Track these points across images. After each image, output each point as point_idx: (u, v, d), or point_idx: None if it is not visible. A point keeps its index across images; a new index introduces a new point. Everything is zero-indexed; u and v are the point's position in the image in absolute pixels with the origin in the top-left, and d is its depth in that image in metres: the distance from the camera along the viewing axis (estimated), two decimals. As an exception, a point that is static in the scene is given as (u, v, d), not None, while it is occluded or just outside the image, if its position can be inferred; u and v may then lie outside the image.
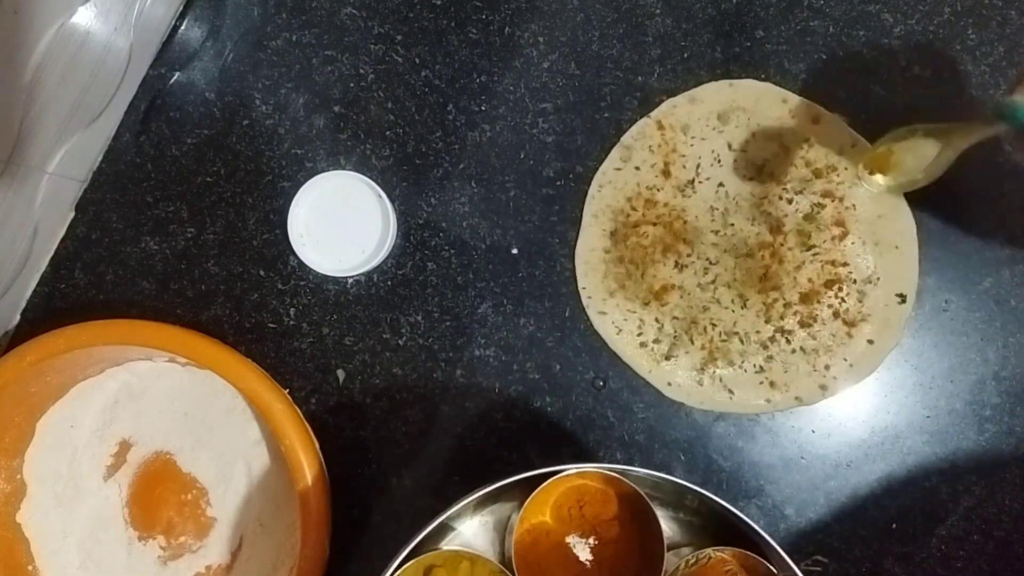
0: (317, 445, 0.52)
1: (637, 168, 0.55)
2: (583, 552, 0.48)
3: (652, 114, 0.55)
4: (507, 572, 0.46)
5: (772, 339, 0.54)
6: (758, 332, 0.54)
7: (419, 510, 0.56)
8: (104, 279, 0.58)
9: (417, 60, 0.57)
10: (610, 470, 0.45)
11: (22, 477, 0.55)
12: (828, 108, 0.54)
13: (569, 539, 0.48)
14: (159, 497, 0.57)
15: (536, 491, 0.45)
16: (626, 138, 0.55)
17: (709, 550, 0.47)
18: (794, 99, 0.54)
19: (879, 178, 0.51)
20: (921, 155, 0.48)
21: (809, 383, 0.54)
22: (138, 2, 0.55)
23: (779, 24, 0.55)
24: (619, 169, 0.55)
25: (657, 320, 0.54)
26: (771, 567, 0.45)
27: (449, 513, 0.45)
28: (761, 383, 0.54)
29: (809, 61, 0.55)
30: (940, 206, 0.54)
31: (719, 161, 0.54)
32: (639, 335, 0.54)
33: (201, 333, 0.53)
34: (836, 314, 0.54)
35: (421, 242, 0.57)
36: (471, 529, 0.51)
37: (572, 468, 0.44)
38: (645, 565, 0.47)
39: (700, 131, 0.55)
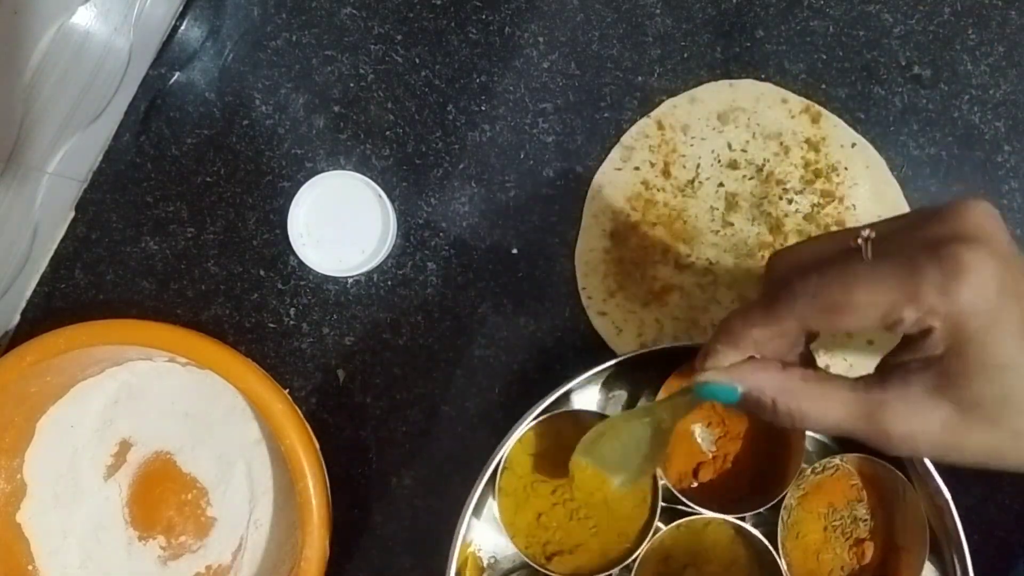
0: (317, 445, 0.52)
1: (637, 168, 0.55)
2: (706, 442, 0.47)
3: (652, 114, 0.55)
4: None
5: (772, 339, 0.54)
6: (758, 332, 0.54)
7: (419, 510, 0.56)
8: (104, 279, 0.58)
9: (417, 60, 0.57)
10: None
11: (22, 477, 0.55)
12: (828, 108, 0.54)
13: (694, 426, 0.47)
14: (159, 497, 0.57)
15: (681, 367, 0.43)
16: (626, 138, 0.55)
17: (837, 459, 0.45)
18: (794, 99, 0.54)
19: (591, 489, 0.42)
20: (634, 441, 0.40)
21: (809, 383, 0.54)
22: (138, 2, 0.55)
23: (779, 24, 0.55)
24: (619, 169, 0.55)
25: (657, 320, 0.54)
26: (903, 476, 0.42)
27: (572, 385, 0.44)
28: (761, 383, 0.54)
29: (809, 61, 0.55)
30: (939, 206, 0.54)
31: (719, 161, 0.54)
32: (639, 335, 0.54)
33: (201, 333, 0.53)
34: (836, 314, 0.54)
35: (421, 242, 0.57)
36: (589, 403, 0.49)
37: None
38: (771, 466, 0.45)
39: (700, 131, 0.55)
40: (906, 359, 0.30)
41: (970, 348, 0.28)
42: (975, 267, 0.27)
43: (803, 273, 0.30)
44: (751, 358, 0.33)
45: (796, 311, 0.30)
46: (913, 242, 0.29)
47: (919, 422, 0.29)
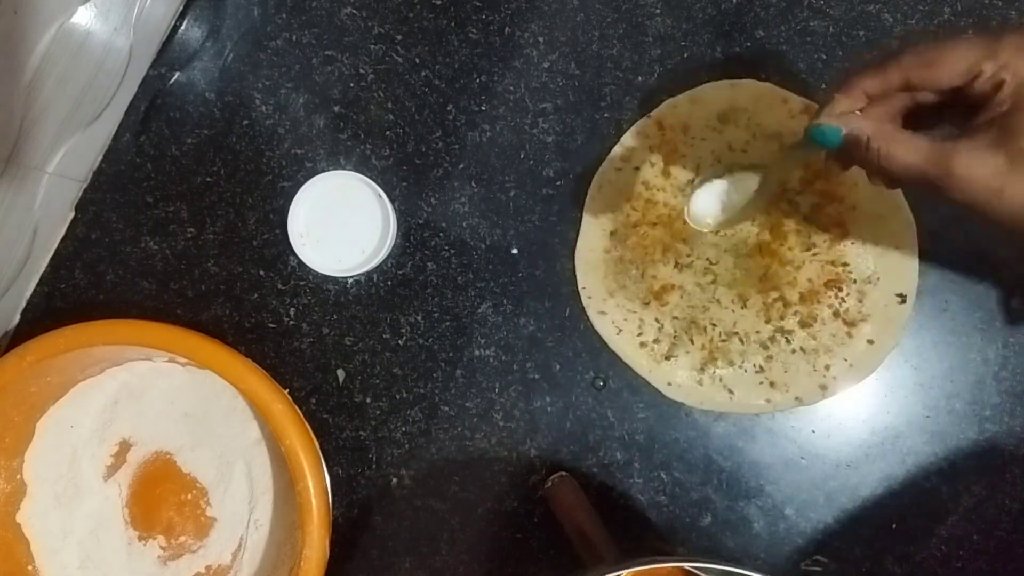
0: (317, 445, 0.52)
1: (637, 168, 0.55)
2: None
3: (652, 114, 0.55)
4: None
5: (772, 339, 0.54)
6: (758, 332, 0.54)
7: (419, 510, 0.56)
8: (104, 279, 0.58)
9: (417, 60, 0.57)
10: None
11: (22, 477, 0.55)
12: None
13: None
14: (159, 497, 0.57)
15: None
16: (626, 138, 0.55)
17: None
18: (794, 99, 0.54)
19: (708, 218, 0.50)
20: (743, 189, 0.48)
21: (809, 383, 0.54)
22: (138, 2, 0.55)
23: (779, 24, 0.55)
24: (619, 169, 0.55)
25: (657, 320, 0.54)
26: None
27: None
28: (761, 383, 0.54)
29: (809, 61, 0.55)
30: (940, 206, 0.54)
31: (719, 161, 0.54)
32: (639, 335, 0.54)
33: (201, 333, 0.53)
34: (836, 314, 0.54)
35: (421, 242, 0.57)
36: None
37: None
38: None
39: (700, 131, 0.55)
40: (979, 121, 0.35)
41: None
42: None
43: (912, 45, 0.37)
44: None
45: (902, 63, 0.37)
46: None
47: (977, 166, 0.34)
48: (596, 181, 0.55)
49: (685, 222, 0.54)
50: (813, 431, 0.54)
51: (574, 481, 0.53)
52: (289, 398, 0.52)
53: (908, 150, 0.36)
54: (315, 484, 0.50)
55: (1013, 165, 0.34)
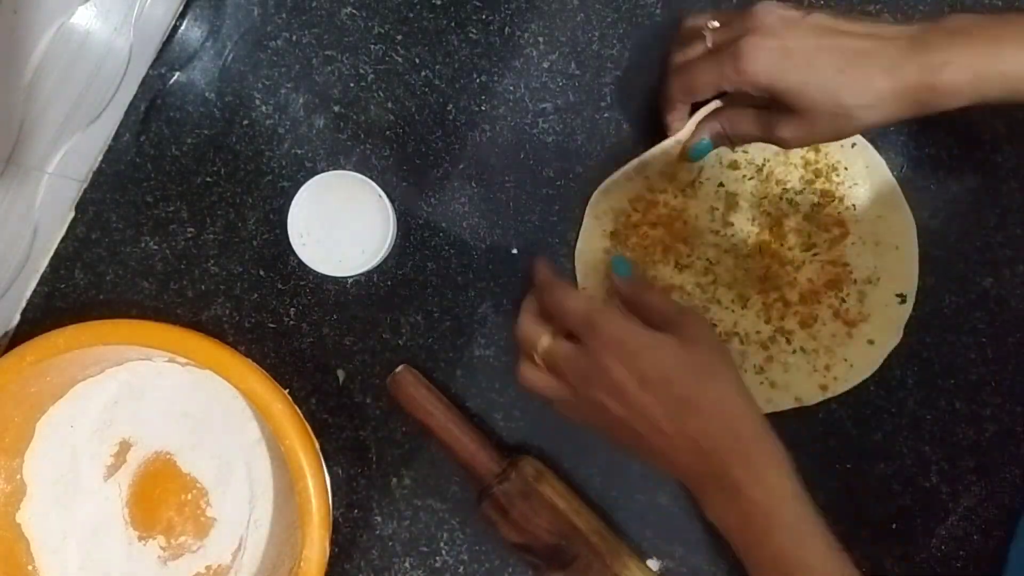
0: (317, 445, 0.52)
1: (647, 177, 0.55)
2: None
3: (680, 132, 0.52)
4: None
5: (772, 339, 0.54)
6: (758, 332, 0.54)
7: (419, 510, 0.56)
8: (104, 279, 0.58)
9: (417, 60, 0.57)
10: None
11: (22, 477, 0.55)
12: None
13: None
14: (159, 497, 0.57)
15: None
16: (647, 155, 0.53)
17: None
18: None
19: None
20: None
21: (809, 383, 0.54)
22: (138, 2, 0.55)
23: (779, 24, 0.55)
24: (631, 180, 0.55)
25: (657, 320, 0.54)
26: None
27: None
28: (761, 383, 0.54)
29: (809, 61, 0.55)
30: (940, 206, 0.54)
31: (720, 162, 0.54)
32: (639, 335, 0.54)
33: (201, 333, 0.53)
34: (836, 314, 0.54)
35: (421, 242, 0.57)
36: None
37: None
38: None
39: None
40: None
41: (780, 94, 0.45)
42: (749, 50, 0.44)
43: (676, 62, 0.50)
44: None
45: (673, 88, 0.49)
46: (728, 37, 0.46)
47: (791, 128, 0.46)
48: (605, 186, 0.54)
49: (685, 222, 0.54)
50: (813, 431, 0.54)
51: (415, 373, 0.55)
52: (289, 398, 0.52)
53: (745, 124, 0.49)
54: (315, 484, 0.50)
55: (806, 125, 0.46)
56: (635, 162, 0.54)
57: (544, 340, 0.46)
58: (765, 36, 0.44)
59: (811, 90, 0.44)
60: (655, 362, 0.43)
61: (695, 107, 0.51)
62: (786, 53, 0.44)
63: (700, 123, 0.51)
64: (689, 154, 0.51)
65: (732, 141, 0.50)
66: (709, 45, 0.47)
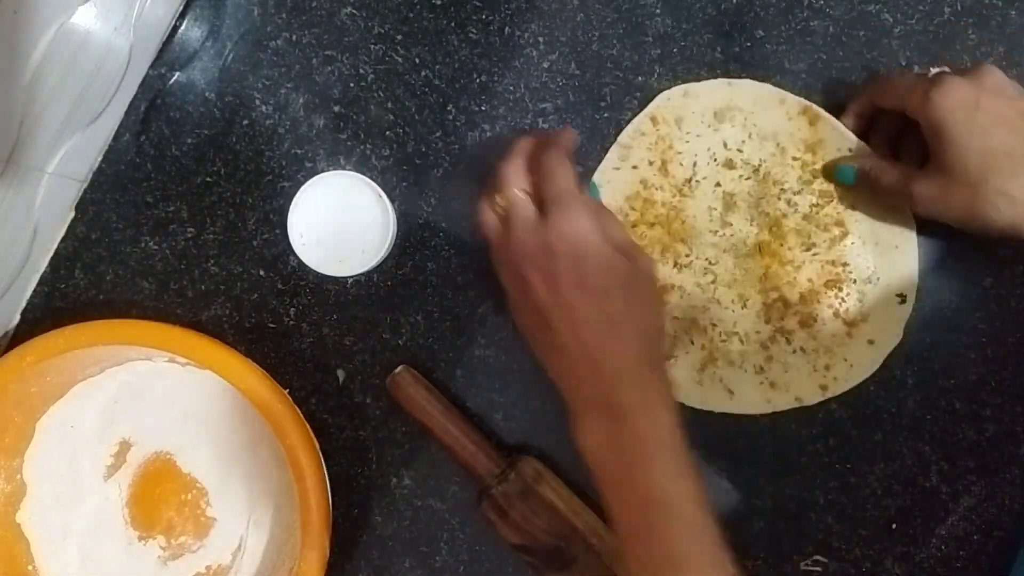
0: (317, 445, 0.52)
1: (635, 167, 0.55)
2: None
3: (646, 109, 0.55)
4: None
5: (772, 339, 0.54)
6: (758, 332, 0.54)
7: (419, 510, 0.56)
8: (104, 279, 0.58)
9: (417, 60, 0.57)
10: None
11: (22, 477, 0.55)
12: (828, 109, 0.54)
13: None
14: (159, 497, 0.57)
15: None
16: (623, 137, 0.55)
17: None
18: (792, 100, 0.54)
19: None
20: None
21: (809, 383, 0.54)
22: (138, 2, 0.55)
23: (779, 24, 0.55)
24: (617, 168, 0.55)
25: (657, 320, 0.54)
26: None
27: None
28: (761, 383, 0.54)
29: (809, 61, 0.55)
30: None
31: (715, 160, 0.54)
32: (639, 335, 0.54)
33: (201, 333, 0.53)
34: (836, 314, 0.54)
35: (421, 242, 0.57)
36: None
37: None
38: None
39: (695, 127, 0.54)
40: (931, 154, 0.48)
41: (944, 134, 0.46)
42: (948, 87, 0.45)
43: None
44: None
45: (870, 83, 0.53)
46: (946, 74, 0.47)
47: (925, 188, 0.48)
48: (595, 180, 0.55)
49: (684, 221, 0.54)
50: (813, 431, 0.54)
51: (415, 374, 0.54)
52: (289, 398, 0.52)
53: (888, 175, 0.50)
54: (315, 484, 0.50)
55: (943, 189, 0.47)
56: (616, 148, 0.54)
57: (514, 190, 0.45)
58: (970, 83, 0.45)
59: (970, 153, 0.45)
60: (601, 272, 0.43)
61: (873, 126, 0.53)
62: (975, 106, 0.45)
63: (859, 156, 0.52)
64: (836, 174, 0.53)
65: (871, 182, 0.51)
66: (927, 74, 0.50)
